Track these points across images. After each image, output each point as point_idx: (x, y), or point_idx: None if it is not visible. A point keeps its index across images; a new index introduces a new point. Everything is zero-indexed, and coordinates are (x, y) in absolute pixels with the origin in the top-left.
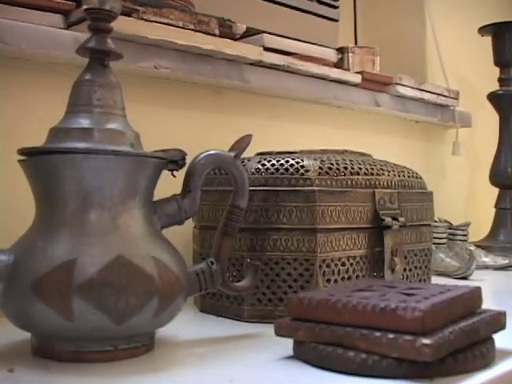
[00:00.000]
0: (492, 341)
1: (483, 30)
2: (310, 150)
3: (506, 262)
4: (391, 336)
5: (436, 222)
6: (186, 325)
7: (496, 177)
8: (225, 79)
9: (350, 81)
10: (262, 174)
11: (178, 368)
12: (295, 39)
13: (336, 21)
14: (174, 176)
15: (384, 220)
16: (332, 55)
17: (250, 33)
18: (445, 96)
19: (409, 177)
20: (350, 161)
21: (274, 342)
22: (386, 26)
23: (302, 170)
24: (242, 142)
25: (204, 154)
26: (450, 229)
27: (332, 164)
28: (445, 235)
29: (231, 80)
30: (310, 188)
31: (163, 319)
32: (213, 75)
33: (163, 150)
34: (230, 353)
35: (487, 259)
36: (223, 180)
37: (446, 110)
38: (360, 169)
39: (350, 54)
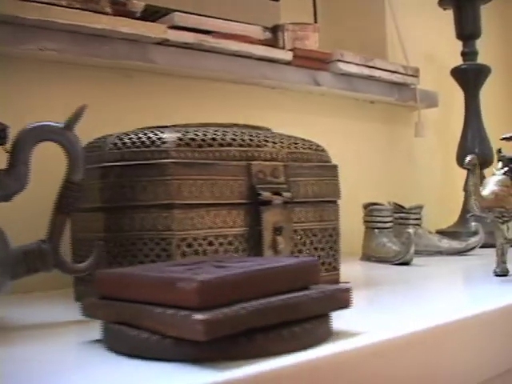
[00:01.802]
0: (323, 320)
1: (444, 3)
2: (186, 124)
3: (462, 246)
4: (170, 312)
5: (381, 205)
6: (43, 312)
7: (463, 158)
8: (125, 60)
9: (279, 58)
10: (119, 149)
11: None
12: (221, 19)
13: (276, 0)
14: (7, 151)
15: (261, 195)
16: (258, 32)
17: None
18: (400, 73)
19: (303, 149)
20: (224, 132)
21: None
22: (345, 7)
23: (158, 142)
24: (75, 113)
25: (29, 126)
26: (402, 213)
27: (196, 135)
28: (390, 219)
29: (133, 61)
30: (165, 160)
31: None
32: (110, 56)
33: None
34: (41, 337)
35: (441, 244)
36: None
37: (404, 88)
38: (234, 140)
39: (286, 32)
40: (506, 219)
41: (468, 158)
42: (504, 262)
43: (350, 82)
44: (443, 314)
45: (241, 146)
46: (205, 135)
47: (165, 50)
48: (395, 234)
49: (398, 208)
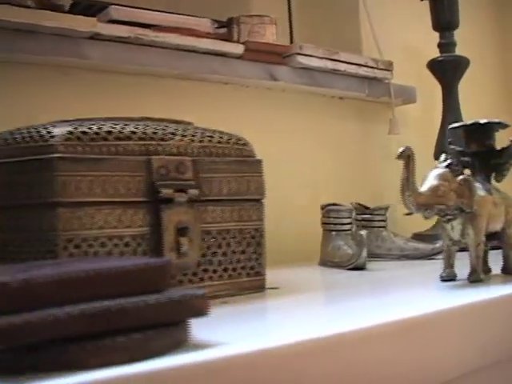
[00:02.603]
0: (167, 329)
1: None
2: (91, 118)
3: (429, 249)
4: None
5: (339, 205)
6: None
7: (440, 155)
8: (56, 56)
9: (229, 52)
10: (8, 145)
11: None
12: (169, 12)
13: None
14: None
15: (161, 192)
16: (206, 25)
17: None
18: (370, 67)
19: (220, 142)
20: (124, 125)
21: None
22: (320, 1)
23: (47, 137)
24: None
25: None
26: (365, 214)
27: (90, 128)
28: (348, 220)
29: (64, 56)
30: (51, 156)
31: None
32: (38, 51)
33: None
34: None
35: (407, 247)
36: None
37: (375, 83)
38: (133, 133)
39: (241, 25)
40: (449, 218)
41: (400, 149)
42: (451, 266)
43: (313, 76)
44: (334, 325)
45: (141, 139)
46: (100, 128)
47: (100, 45)
48: (354, 237)
49: (362, 209)
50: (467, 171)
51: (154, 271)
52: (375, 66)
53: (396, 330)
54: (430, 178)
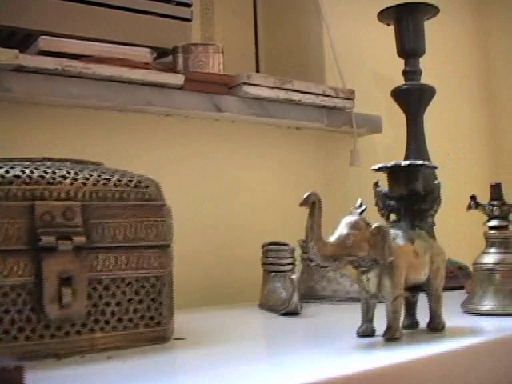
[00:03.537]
0: None
1: (383, 16)
2: None
3: None
4: None
5: (280, 244)
6: None
7: None
8: None
9: (168, 83)
10: None
11: None
12: (108, 42)
13: (188, 20)
14: None
15: (41, 240)
16: (145, 55)
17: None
18: (329, 96)
19: (116, 186)
20: (9, 168)
21: None
22: (285, 31)
23: None
24: None
25: None
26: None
27: None
28: (289, 261)
29: None
30: None
31: None
32: None
33: None
34: None
35: (353, 289)
36: None
37: (335, 112)
38: (17, 177)
39: (187, 54)
40: (363, 269)
41: (305, 195)
42: (369, 321)
43: (263, 106)
44: None
45: (26, 183)
46: None
47: (24, 77)
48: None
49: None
50: (393, 216)
51: None
52: (335, 94)
53: None
54: (341, 226)
